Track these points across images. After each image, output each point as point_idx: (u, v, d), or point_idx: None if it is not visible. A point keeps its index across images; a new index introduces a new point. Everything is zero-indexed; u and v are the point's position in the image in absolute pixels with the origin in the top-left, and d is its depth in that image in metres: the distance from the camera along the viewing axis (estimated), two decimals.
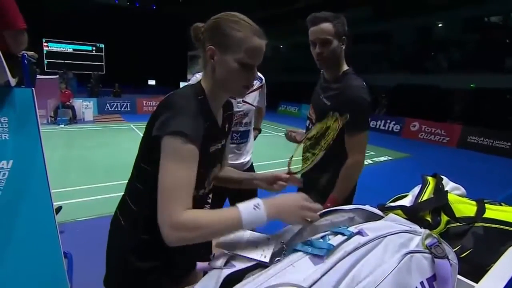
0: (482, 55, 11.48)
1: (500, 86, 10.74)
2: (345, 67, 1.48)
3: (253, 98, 1.86)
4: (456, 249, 0.81)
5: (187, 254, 0.99)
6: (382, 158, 6.58)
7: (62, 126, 8.73)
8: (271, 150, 6.64)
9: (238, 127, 1.81)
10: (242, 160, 1.93)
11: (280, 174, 1.04)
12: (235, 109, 1.79)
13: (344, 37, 1.40)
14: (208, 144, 0.86)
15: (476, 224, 0.87)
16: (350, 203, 1.43)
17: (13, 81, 1.42)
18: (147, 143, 0.84)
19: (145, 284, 0.90)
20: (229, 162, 1.78)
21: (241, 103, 1.80)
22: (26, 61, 1.49)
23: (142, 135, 0.90)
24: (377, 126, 11.08)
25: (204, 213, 0.71)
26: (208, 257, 0.70)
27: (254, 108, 1.88)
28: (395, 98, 13.35)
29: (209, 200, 1.81)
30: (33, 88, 1.48)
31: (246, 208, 0.70)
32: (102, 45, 22.03)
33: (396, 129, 10.60)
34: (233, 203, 2.20)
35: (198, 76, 1.76)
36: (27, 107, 1.47)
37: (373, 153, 6.85)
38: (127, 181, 0.97)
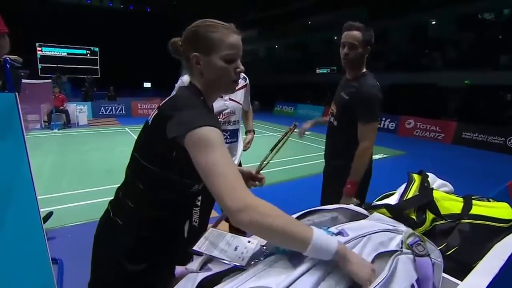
0: (476, 53, 11.55)
1: (494, 82, 10.80)
2: (364, 70, 1.75)
3: (239, 96, 1.88)
4: (441, 247, 0.80)
5: (178, 253, 1.01)
6: (377, 156, 6.58)
7: (56, 130, 8.65)
8: (266, 150, 6.60)
9: (227, 125, 1.82)
10: (235, 161, 1.92)
11: (253, 173, 1.17)
12: (223, 108, 1.79)
13: (368, 46, 1.69)
14: None
15: (463, 221, 0.86)
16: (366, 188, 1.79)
17: None
18: (156, 144, 0.84)
19: (135, 286, 0.91)
20: None
21: (227, 101, 1.80)
22: (8, 65, 1.46)
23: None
24: None
25: (275, 207, 0.66)
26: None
27: (241, 106, 1.89)
28: (390, 97, 13.40)
29: (198, 203, 1.78)
30: (16, 93, 1.45)
31: (319, 230, 0.63)
32: (96, 49, 21.92)
33: (391, 127, 10.62)
34: None
35: (184, 79, 1.75)
36: (10, 112, 1.44)
37: None
38: (122, 183, 0.98)
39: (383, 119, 10.93)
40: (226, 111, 1.80)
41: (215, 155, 0.71)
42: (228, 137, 1.84)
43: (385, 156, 6.71)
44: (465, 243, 0.81)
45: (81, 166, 5.24)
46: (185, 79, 1.74)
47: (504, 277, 0.76)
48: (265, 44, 21.85)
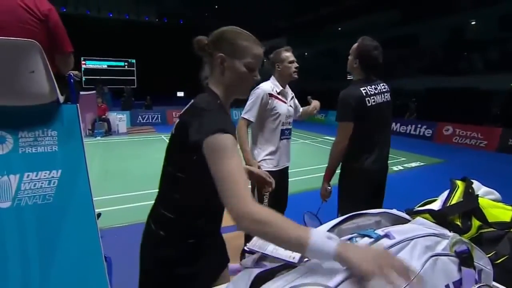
0: None
1: None
2: (360, 77, 1.94)
3: (293, 104, 2.30)
4: (490, 255, 0.79)
5: (219, 257, 1.07)
6: (413, 164, 6.32)
7: (99, 138, 9.29)
8: (298, 157, 6.62)
9: (287, 125, 2.19)
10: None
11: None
12: (287, 112, 2.15)
13: (357, 59, 1.90)
14: None
15: None
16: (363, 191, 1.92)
17: (61, 99, 1.57)
18: (181, 151, 0.90)
19: None
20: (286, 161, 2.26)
21: (290, 107, 2.20)
22: (72, 80, 1.65)
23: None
24: (407, 131, 10.66)
25: (277, 215, 0.69)
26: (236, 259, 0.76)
27: (293, 111, 2.28)
28: (426, 102, 12.80)
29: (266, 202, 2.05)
30: (78, 104, 1.63)
31: (319, 233, 0.63)
32: (133, 61, 23.27)
33: (427, 133, 10.14)
34: None
35: (264, 87, 2.08)
36: (73, 121, 1.62)
37: (403, 158, 6.59)
38: (157, 191, 1.03)
39: (418, 125, 10.48)
40: (288, 113, 2.16)
41: (228, 163, 0.77)
42: (288, 134, 2.20)
43: (422, 164, 6.42)
44: None
45: (123, 171, 5.58)
46: (264, 86, 2.08)
47: None
48: (295, 51, 21.88)
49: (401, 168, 5.99)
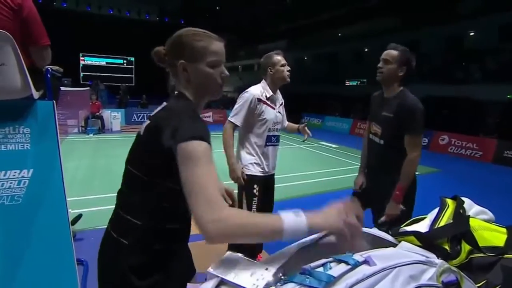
0: None
1: None
2: (401, 88, 1.89)
3: (282, 111, 2.23)
4: (480, 284, 0.72)
5: (185, 268, 1.04)
6: None
7: (91, 135, 9.16)
8: (292, 162, 6.56)
9: (275, 132, 2.12)
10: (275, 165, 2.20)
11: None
12: (275, 118, 2.08)
13: (404, 66, 1.80)
14: None
15: (506, 256, 0.77)
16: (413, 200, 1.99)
17: (36, 94, 1.49)
18: (155, 157, 0.86)
19: None
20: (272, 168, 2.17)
21: (278, 113, 2.13)
22: (49, 75, 1.56)
23: None
24: None
25: (246, 213, 0.73)
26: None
27: (281, 118, 2.22)
28: (424, 110, 12.79)
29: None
30: (54, 101, 1.55)
31: (287, 215, 0.67)
32: (132, 59, 23.17)
33: (423, 142, 10.12)
34: None
35: (252, 91, 2.03)
36: (48, 118, 1.53)
37: None
38: (118, 200, 1.00)
39: None
40: (276, 120, 2.11)
41: (197, 169, 0.74)
42: (275, 140, 2.13)
43: (417, 173, 6.35)
44: (509, 281, 0.72)
45: (114, 171, 5.45)
46: (254, 91, 2.04)
47: None
48: (294, 55, 21.97)
49: None
